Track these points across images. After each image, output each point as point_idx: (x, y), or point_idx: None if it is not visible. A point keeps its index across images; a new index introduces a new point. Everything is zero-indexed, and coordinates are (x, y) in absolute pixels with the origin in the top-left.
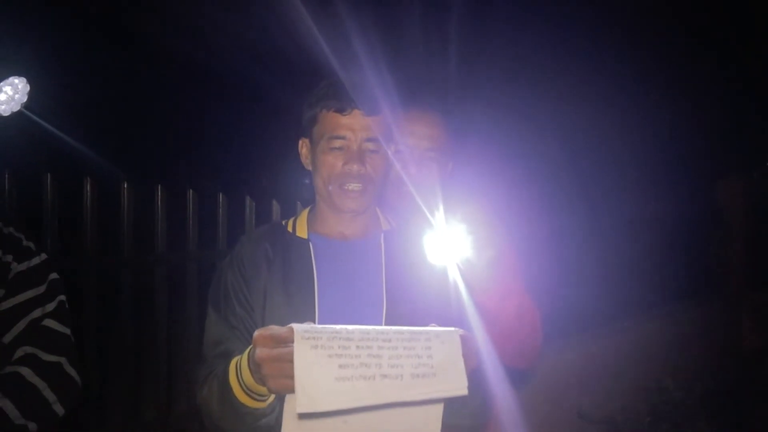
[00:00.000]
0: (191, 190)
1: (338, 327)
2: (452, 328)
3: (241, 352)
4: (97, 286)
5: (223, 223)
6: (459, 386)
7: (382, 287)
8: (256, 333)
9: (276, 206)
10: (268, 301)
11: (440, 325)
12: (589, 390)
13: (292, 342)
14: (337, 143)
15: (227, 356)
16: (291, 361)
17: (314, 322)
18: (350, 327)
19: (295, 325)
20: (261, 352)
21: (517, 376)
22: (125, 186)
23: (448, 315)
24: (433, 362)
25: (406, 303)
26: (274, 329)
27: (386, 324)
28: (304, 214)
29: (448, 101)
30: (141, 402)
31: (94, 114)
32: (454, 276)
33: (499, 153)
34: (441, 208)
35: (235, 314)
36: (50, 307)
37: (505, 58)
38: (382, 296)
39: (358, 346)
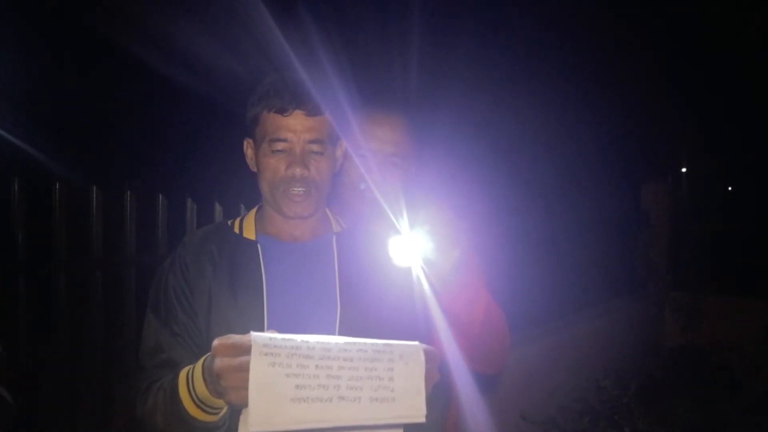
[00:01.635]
0: (129, 192)
1: (299, 340)
2: (416, 343)
3: (184, 360)
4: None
5: (163, 225)
6: (418, 413)
7: (335, 290)
8: (216, 341)
9: (218, 208)
10: (213, 306)
11: (400, 332)
12: (529, 391)
13: None
14: (279, 145)
15: (169, 365)
16: None
17: (263, 328)
18: (311, 340)
19: (253, 335)
20: (221, 362)
21: (486, 383)
22: (57, 187)
23: (410, 319)
24: (394, 385)
25: (361, 307)
26: (236, 338)
27: (340, 328)
28: (251, 215)
29: (412, 104)
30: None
31: (38, 113)
32: (418, 278)
33: (456, 156)
34: (403, 209)
35: (178, 320)
36: None
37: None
38: (336, 300)
39: (317, 366)
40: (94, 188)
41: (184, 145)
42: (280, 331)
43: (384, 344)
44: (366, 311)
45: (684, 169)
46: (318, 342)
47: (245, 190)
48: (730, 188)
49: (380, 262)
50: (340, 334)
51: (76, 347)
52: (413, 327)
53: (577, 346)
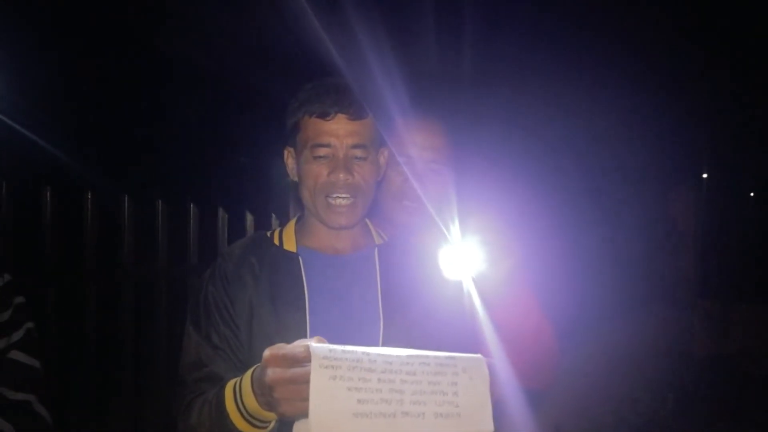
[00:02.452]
0: (160, 201)
1: (360, 352)
2: (479, 356)
3: (227, 373)
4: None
5: (194, 235)
6: (485, 429)
7: (377, 304)
8: (267, 352)
9: (249, 218)
10: (255, 319)
11: (447, 347)
12: (563, 404)
13: (308, 362)
14: (321, 151)
15: (212, 379)
16: (307, 382)
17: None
18: (372, 353)
19: (313, 347)
20: (274, 373)
21: (535, 399)
22: (89, 196)
23: (457, 334)
24: (459, 400)
25: (405, 321)
26: (287, 348)
27: (384, 344)
28: (291, 226)
29: (455, 109)
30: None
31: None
32: (469, 292)
33: (502, 163)
34: (453, 218)
35: (219, 333)
36: (16, 336)
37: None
38: (379, 314)
39: (379, 379)
40: (126, 197)
41: (215, 155)
42: None
43: (447, 357)
44: (410, 326)
45: (711, 175)
46: (379, 354)
47: (274, 199)
48: (752, 194)
49: (425, 274)
50: None
51: (105, 357)
52: (461, 341)
53: (608, 357)
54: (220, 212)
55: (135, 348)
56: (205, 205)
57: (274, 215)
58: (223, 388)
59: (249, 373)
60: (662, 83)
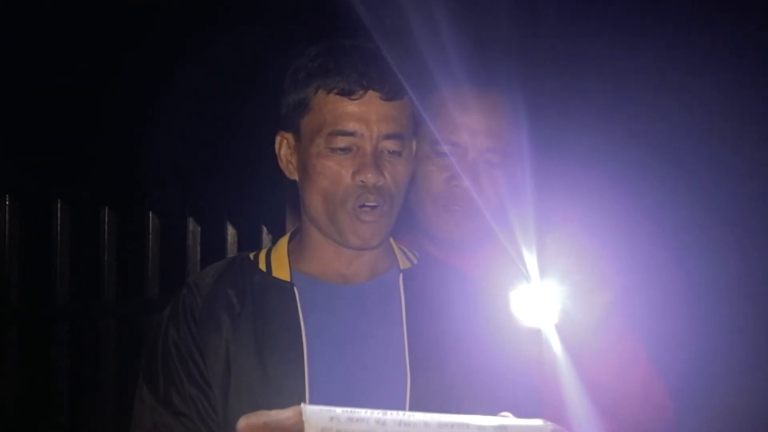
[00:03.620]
0: (106, 209)
1: (372, 420)
2: (540, 423)
3: None
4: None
5: (154, 256)
6: None
7: (403, 352)
8: (243, 422)
9: (232, 232)
10: (233, 374)
11: (511, 411)
12: None
13: None
14: (343, 141)
15: None
16: None
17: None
18: (389, 419)
19: (306, 410)
20: None
21: None
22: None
23: (524, 394)
24: None
25: (441, 375)
26: (271, 415)
27: (411, 406)
28: (282, 245)
29: (522, 80)
30: None
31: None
32: (546, 340)
33: (594, 156)
34: (520, 232)
35: (183, 394)
36: None
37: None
38: (404, 365)
39: None
40: (59, 203)
41: (184, 148)
42: None
43: (496, 426)
44: (450, 382)
45: None
46: (401, 421)
47: (266, 207)
48: None
49: (474, 312)
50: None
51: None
52: (528, 405)
53: (738, 426)
54: (190, 224)
55: (71, 407)
56: (168, 214)
57: (265, 228)
58: None
59: None
60: None
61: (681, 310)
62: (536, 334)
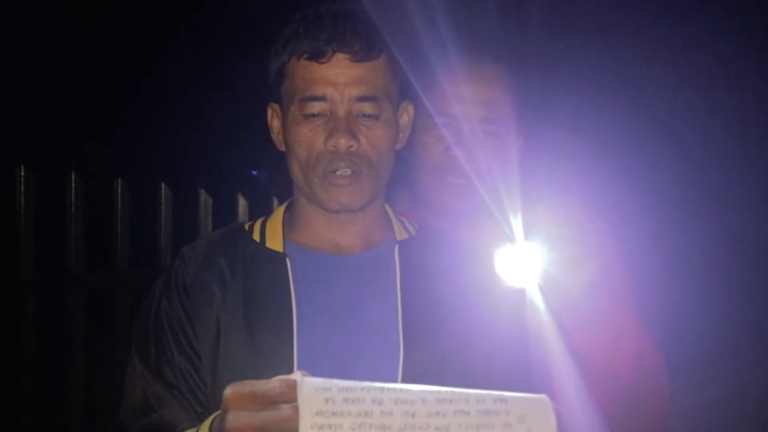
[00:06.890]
0: (119, 179)
1: (372, 390)
2: (542, 397)
3: (182, 421)
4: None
5: (167, 227)
6: None
7: (397, 324)
8: (229, 390)
9: (243, 202)
10: (222, 346)
11: (498, 385)
12: None
13: (286, 402)
14: (314, 107)
15: (161, 429)
16: (288, 429)
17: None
18: (386, 397)
19: (302, 381)
20: (237, 419)
21: None
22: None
23: (516, 366)
24: None
25: (435, 347)
26: (257, 384)
27: (404, 378)
28: (278, 216)
29: (523, 51)
30: None
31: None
32: (535, 304)
33: (592, 125)
34: (512, 203)
35: (174, 366)
36: None
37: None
38: (398, 337)
39: (400, 428)
40: (72, 174)
41: (195, 120)
42: None
43: (496, 398)
44: (443, 354)
45: None
46: (398, 398)
47: (278, 177)
48: None
49: (468, 281)
50: None
51: (48, 388)
52: (519, 378)
53: (740, 402)
54: (202, 195)
55: (86, 377)
56: (180, 185)
57: (276, 199)
58: None
59: (208, 422)
60: None
61: (667, 281)
62: (520, 294)
